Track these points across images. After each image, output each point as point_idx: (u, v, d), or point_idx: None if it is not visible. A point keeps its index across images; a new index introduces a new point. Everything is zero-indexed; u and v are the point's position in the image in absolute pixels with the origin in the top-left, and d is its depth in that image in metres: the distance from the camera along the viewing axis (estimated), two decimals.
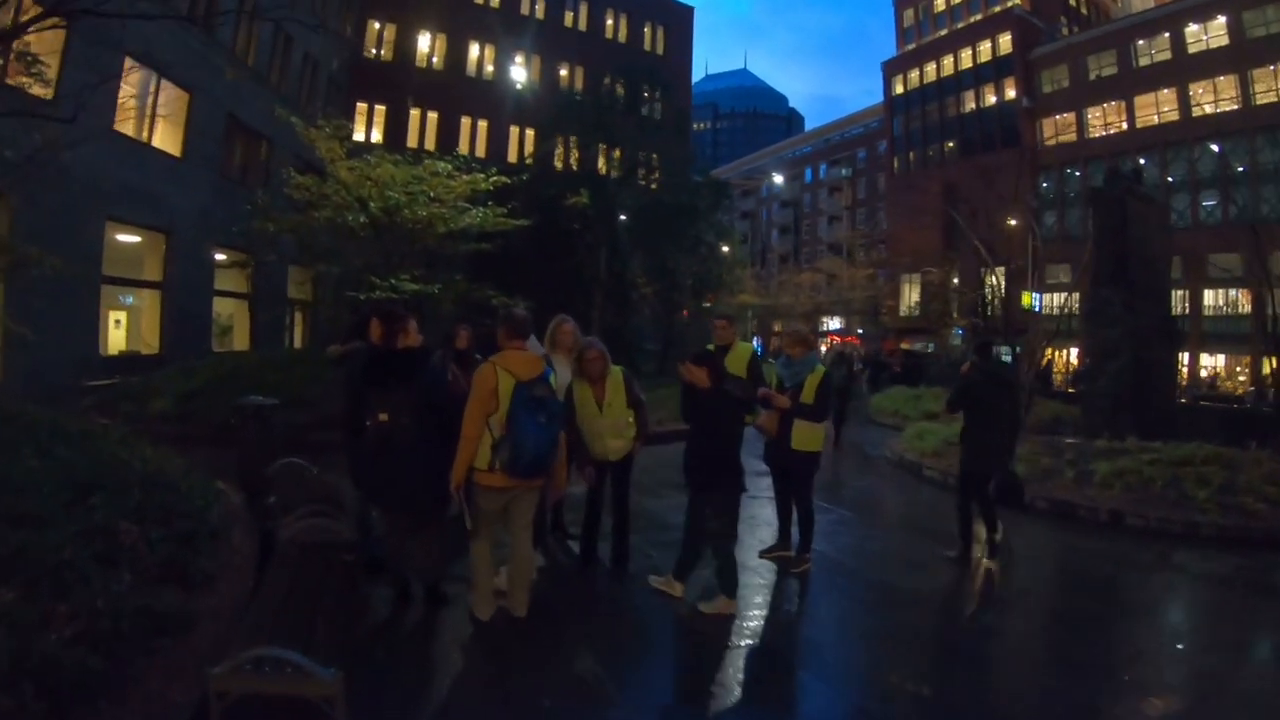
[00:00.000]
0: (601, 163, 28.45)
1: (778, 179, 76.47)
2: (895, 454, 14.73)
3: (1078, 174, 53.05)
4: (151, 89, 20.43)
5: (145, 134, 20.32)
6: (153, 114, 20.59)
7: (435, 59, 37.69)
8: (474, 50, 38.08)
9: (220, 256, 23.12)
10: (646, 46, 26.94)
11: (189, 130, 21.57)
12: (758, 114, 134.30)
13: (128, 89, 19.38)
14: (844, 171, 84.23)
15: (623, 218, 26.24)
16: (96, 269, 18.34)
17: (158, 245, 20.57)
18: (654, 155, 27.70)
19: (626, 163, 26.37)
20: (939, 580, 7.88)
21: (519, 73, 35.26)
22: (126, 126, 19.47)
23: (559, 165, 27.87)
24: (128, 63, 18.79)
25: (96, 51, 16.88)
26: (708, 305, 32.90)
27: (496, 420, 5.35)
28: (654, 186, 28.62)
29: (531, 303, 16.75)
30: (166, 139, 21.18)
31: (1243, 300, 43.87)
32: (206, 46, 21.31)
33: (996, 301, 30.12)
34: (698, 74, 32.62)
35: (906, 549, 9.12)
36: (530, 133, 32.66)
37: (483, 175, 17.19)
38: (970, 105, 64.21)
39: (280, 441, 8.59)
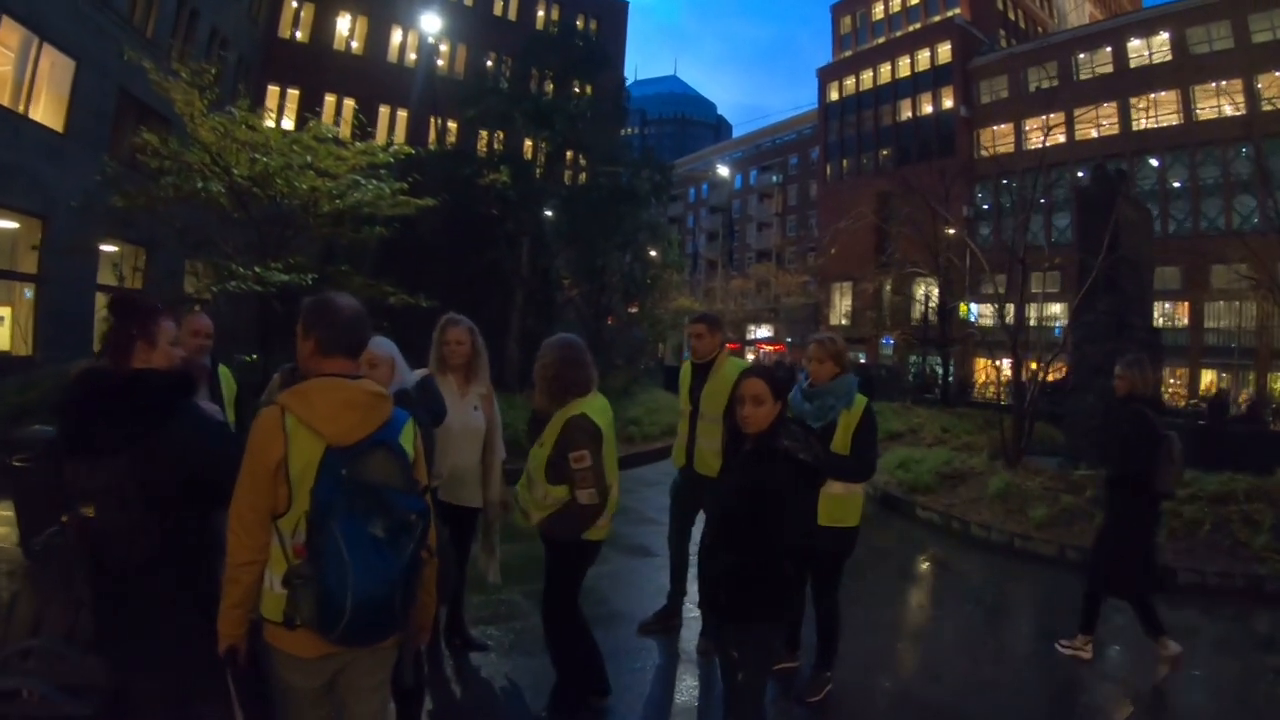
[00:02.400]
0: (528, 145, 26.04)
1: (723, 170, 75.17)
2: (874, 487, 12.33)
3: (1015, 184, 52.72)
4: (32, 54, 18.22)
5: (21, 105, 18.08)
6: (31, 83, 18.33)
7: (355, 43, 35.78)
8: (396, 36, 36.28)
9: (111, 248, 21.10)
10: (579, 41, 25.38)
11: (74, 104, 19.38)
12: (686, 120, 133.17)
13: (4, 52, 17.61)
14: (775, 178, 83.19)
15: (548, 214, 23.58)
16: None
17: (33, 233, 18.29)
18: (585, 137, 24.44)
19: (556, 139, 23.05)
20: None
21: (443, 61, 33.75)
22: (1, 95, 17.50)
23: (482, 150, 25.07)
24: (5, 22, 16.97)
25: None
26: (633, 311, 31.32)
27: (289, 526, 2.78)
28: (583, 175, 26.16)
29: (437, 302, 14.63)
30: (47, 112, 19.00)
31: (1178, 313, 44.18)
32: (98, 11, 19.34)
33: (931, 311, 29.32)
34: (627, 79, 31.30)
35: (972, 645, 6.97)
36: (453, 125, 30.93)
37: (380, 145, 14.88)
38: (907, 114, 63.86)
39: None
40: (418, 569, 2.88)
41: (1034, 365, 14.12)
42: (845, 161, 68.95)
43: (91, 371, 3.25)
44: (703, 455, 6.19)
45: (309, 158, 13.42)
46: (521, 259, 20.72)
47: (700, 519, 4.89)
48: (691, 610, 6.58)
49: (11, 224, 18.14)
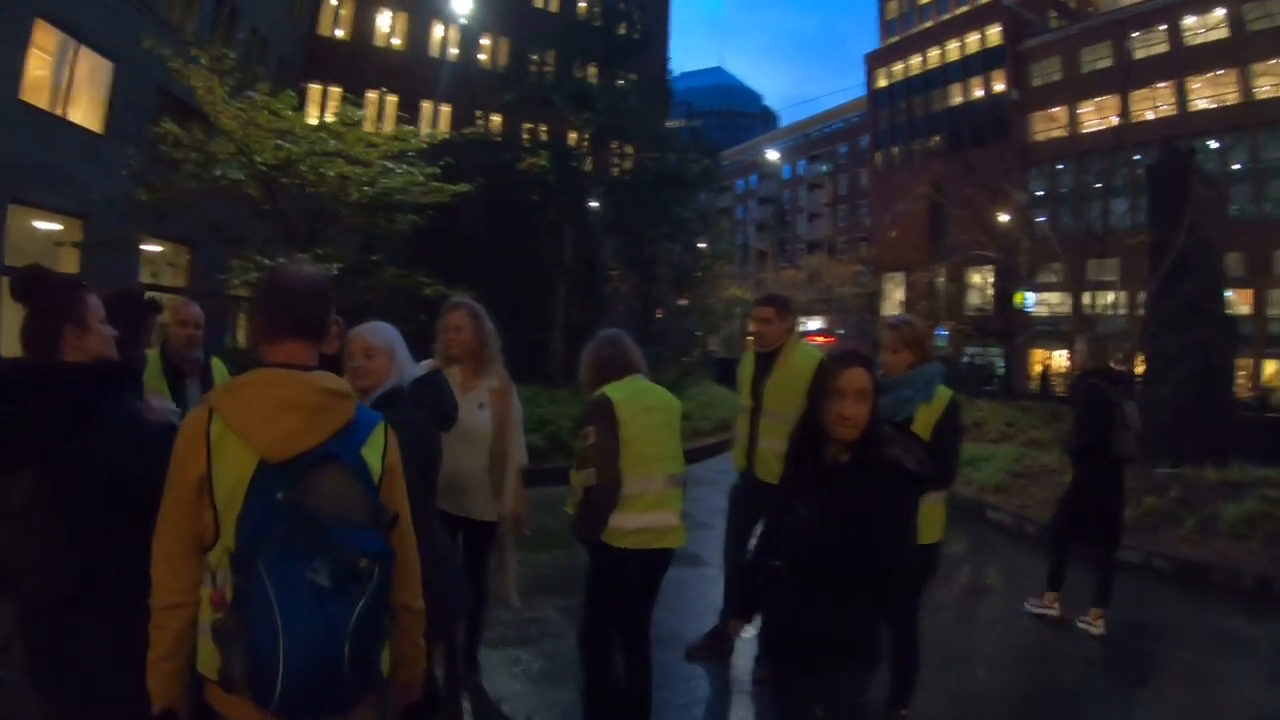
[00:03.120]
0: (573, 138, 24.62)
1: (772, 155, 73.77)
2: None
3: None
4: (69, 57, 18.18)
5: (60, 107, 18.03)
6: (69, 85, 18.31)
7: (396, 39, 35.75)
8: (437, 31, 35.97)
9: (155, 247, 20.85)
10: (621, 24, 24.73)
11: (113, 105, 19.25)
12: (733, 112, 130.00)
13: (42, 56, 17.43)
14: (824, 167, 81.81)
15: (594, 205, 22.80)
16: None
17: (74, 232, 17.91)
18: (629, 121, 23.24)
19: (598, 122, 21.93)
20: None
21: (485, 55, 33.23)
22: (38, 98, 17.33)
23: (525, 141, 24.18)
24: (41, 26, 16.90)
25: (1, 10, 15.33)
26: (683, 302, 30.56)
27: (215, 563, 2.17)
28: (629, 162, 25.16)
29: (474, 292, 14.37)
30: (85, 114, 18.89)
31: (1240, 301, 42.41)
32: (135, 13, 19.00)
33: (987, 300, 28.33)
34: (672, 72, 30.55)
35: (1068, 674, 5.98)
36: (497, 119, 30.56)
37: (412, 129, 14.24)
38: (957, 99, 62.10)
39: None
40: (375, 627, 2.13)
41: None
42: (895, 149, 67.41)
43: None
44: (764, 458, 5.40)
45: (333, 142, 12.84)
46: (564, 248, 20.03)
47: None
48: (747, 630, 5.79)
49: (53, 225, 17.95)
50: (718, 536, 6.05)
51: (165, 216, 14.23)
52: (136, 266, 19.88)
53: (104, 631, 2.44)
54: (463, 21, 26.54)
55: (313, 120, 14.23)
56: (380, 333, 3.62)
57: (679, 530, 4.36)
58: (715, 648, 5.72)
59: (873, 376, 2.99)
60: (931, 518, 4.44)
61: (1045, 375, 42.71)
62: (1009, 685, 5.83)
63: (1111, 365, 7.33)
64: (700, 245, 30.70)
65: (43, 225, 17.84)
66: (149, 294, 4.49)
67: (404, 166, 13.45)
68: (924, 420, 4.43)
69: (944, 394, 4.55)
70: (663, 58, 31.00)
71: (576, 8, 36.94)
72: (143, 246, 19.93)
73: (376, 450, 2.32)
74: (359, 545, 2.06)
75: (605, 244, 23.14)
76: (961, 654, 6.24)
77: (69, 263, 17.66)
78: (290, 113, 12.66)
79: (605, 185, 23.15)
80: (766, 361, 5.52)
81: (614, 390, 4.18)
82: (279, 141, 12.24)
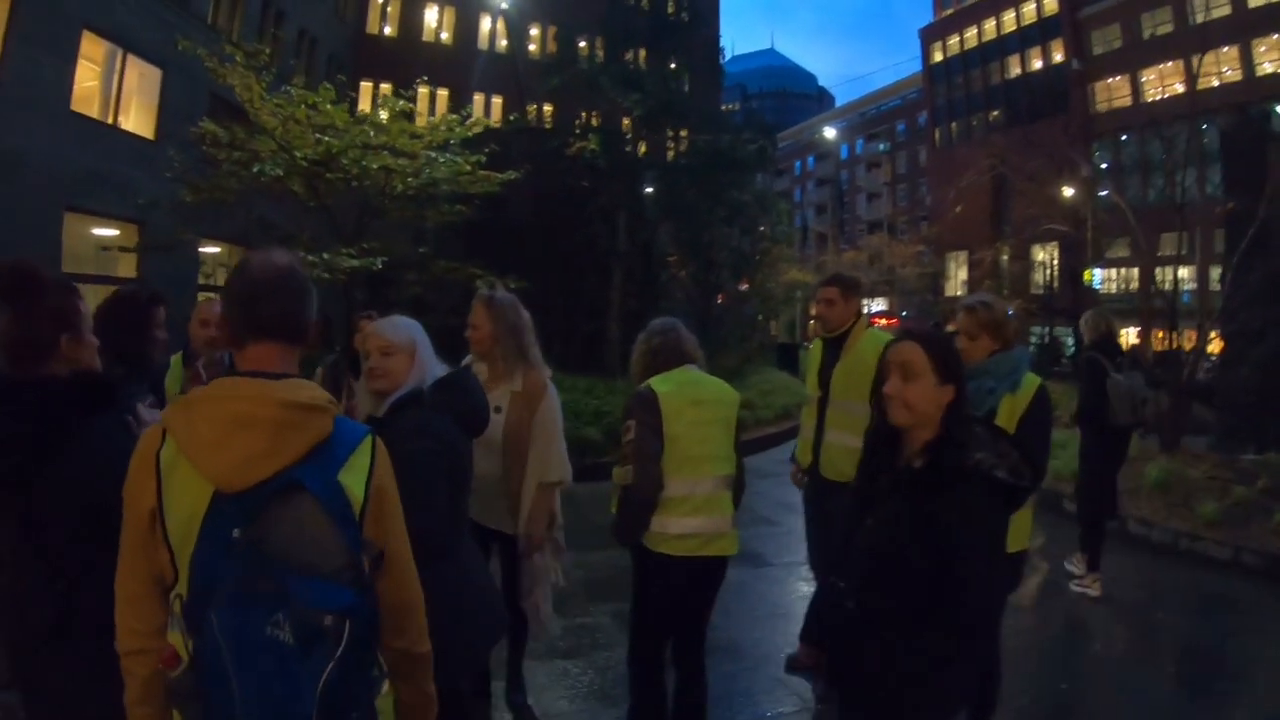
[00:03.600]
0: (626, 124, 23.71)
1: (829, 132, 72.28)
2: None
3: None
4: (117, 66, 18.47)
5: (111, 116, 18.37)
6: (119, 93, 18.60)
7: (444, 34, 35.80)
8: (485, 23, 35.65)
9: (214, 249, 20.86)
10: (671, 11, 24.15)
11: (163, 111, 19.38)
12: (787, 93, 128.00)
13: (90, 67, 17.73)
14: (882, 146, 79.81)
15: (648, 190, 22.10)
16: (55, 265, 15.38)
17: (129, 238, 18.26)
18: (680, 101, 22.31)
19: (647, 103, 20.89)
20: None
21: (535, 45, 32.79)
22: (89, 108, 17.63)
23: (576, 126, 23.09)
24: (88, 38, 17.28)
25: (48, 26, 15.66)
26: (744, 288, 29.92)
27: (176, 605, 1.80)
28: (683, 145, 23.67)
29: (525, 283, 14.00)
30: (137, 121, 19.18)
31: None
32: (181, 19, 19.04)
33: (1054, 279, 27.26)
34: (724, 54, 29.66)
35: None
36: (549, 108, 30.25)
37: (456, 118, 13.74)
38: (1015, 70, 59.96)
39: None
40: (350, 688, 1.73)
41: (1193, 334, 12.41)
42: (954, 125, 65.33)
43: None
44: (830, 454, 4.94)
45: (373, 133, 12.52)
46: (619, 235, 19.54)
47: None
48: None
49: (109, 230, 18.21)
50: (781, 534, 5.59)
51: (218, 218, 14.19)
52: (194, 269, 19.86)
53: (87, 666, 2.13)
54: (504, 6, 26.08)
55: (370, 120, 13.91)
56: (399, 328, 3.18)
57: (730, 536, 3.89)
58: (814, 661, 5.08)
59: (933, 352, 2.47)
60: (1018, 523, 3.84)
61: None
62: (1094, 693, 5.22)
63: (1114, 337, 7.44)
64: (759, 229, 30.01)
65: (99, 231, 18.09)
66: (150, 290, 4.15)
67: (447, 156, 13.07)
68: (1008, 412, 3.93)
69: (1031, 382, 4.03)
70: (713, 38, 30.27)
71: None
72: (201, 249, 20.04)
73: (359, 473, 1.90)
74: (322, 600, 1.67)
75: (661, 230, 22.43)
76: (1042, 662, 5.63)
77: (126, 267, 18.02)
78: (329, 106, 12.34)
79: (658, 169, 22.39)
80: (835, 347, 5.06)
81: (660, 382, 3.79)
82: (319, 135, 11.95)
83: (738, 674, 5.12)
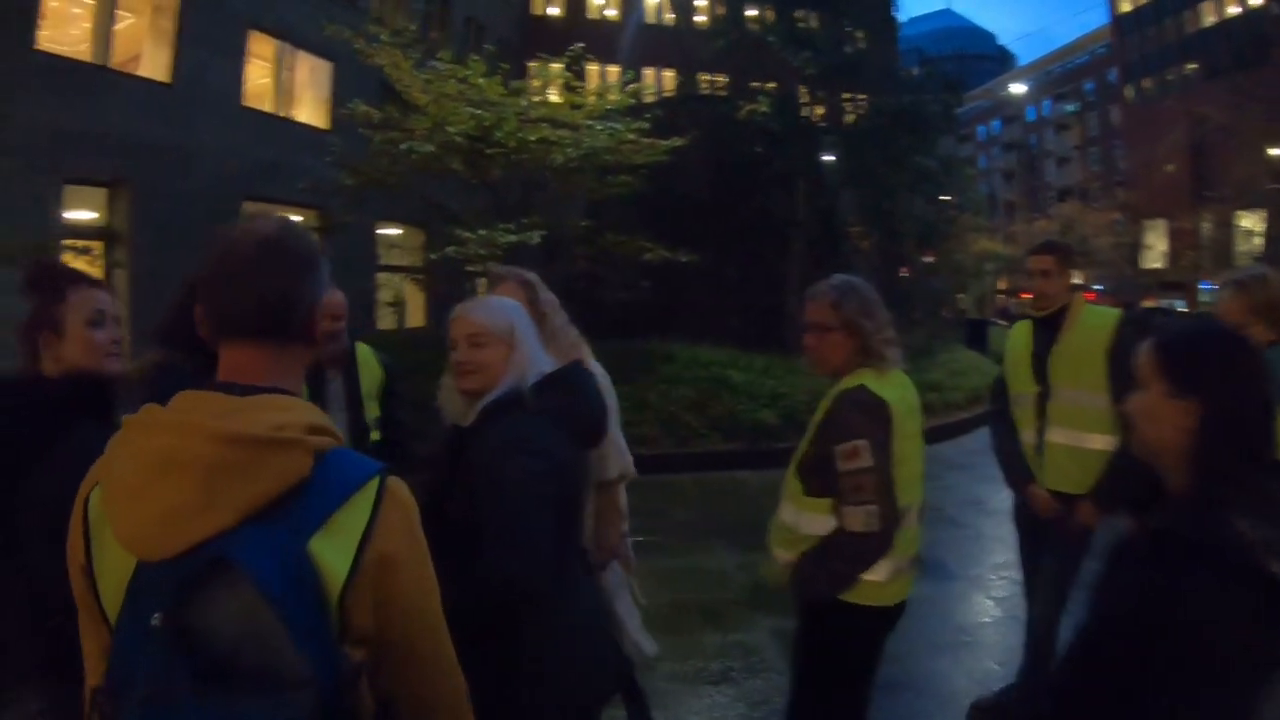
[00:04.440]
0: (803, 92, 21.85)
1: (1017, 89, 67.86)
2: None
3: None
4: (287, 62, 19.46)
5: (283, 108, 19.38)
6: (289, 87, 19.58)
7: (610, 10, 35.73)
8: None
9: (394, 230, 21.70)
10: None
11: (336, 101, 19.59)
12: (966, 55, 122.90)
13: (261, 64, 18.76)
14: (1070, 107, 74.24)
15: (829, 158, 20.50)
16: None
17: (310, 222, 18.46)
18: (853, 59, 20.70)
19: (819, 63, 19.47)
20: None
21: (704, 17, 31.63)
22: (261, 103, 18.62)
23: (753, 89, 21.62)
24: (256, 37, 18.47)
25: (216, 27, 16.77)
26: (930, 261, 28.26)
27: None
28: (862, 108, 21.58)
29: (697, 257, 12.92)
30: (310, 112, 20.01)
31: None
32: (345, 13, 19.21)
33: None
34: (899, 20, 28.02)
35: None
36: (721, 78, 29.54)
37: (616, 86, 13.14)
38: (1210, 18, 54.57)
39: None
40: None
41: None
42: (1147, 81, 60.00)
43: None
44: (1057, 460, 3.98)
45: (524, 104, 12.10)
46: (796, 203, 18.40)
47: None
48: None
49: (294, 217, 18.62)
50: (968, 538, 4.59)
51: (390, 200, 14.27)
52: (373, 251, 20.96)
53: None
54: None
55: (535, 98, 13.50)
56: (495, 309, 2.52)
57: (913, 574, 3.09)
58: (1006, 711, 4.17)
59: (1165, 351, 1.66)
60: None
61: None
62: None
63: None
64: (945, 198, 28.23)
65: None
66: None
67: (607, 125, 12.40)
68: None
69: None
70: None
71: None
72: (380, 231, 21.08)
73: (347, 536, 1.32)
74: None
75: (842, 198, 21.07)
76: None
77: None
78: (481, 80, 11.89)
79: (836, 134, 20.89)
80: (1048, 329, 4.08)
81: (884, 386, 2.85)
82: (472, 110, 11.48)
83: (916, 715, 4.23)
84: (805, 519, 2.87)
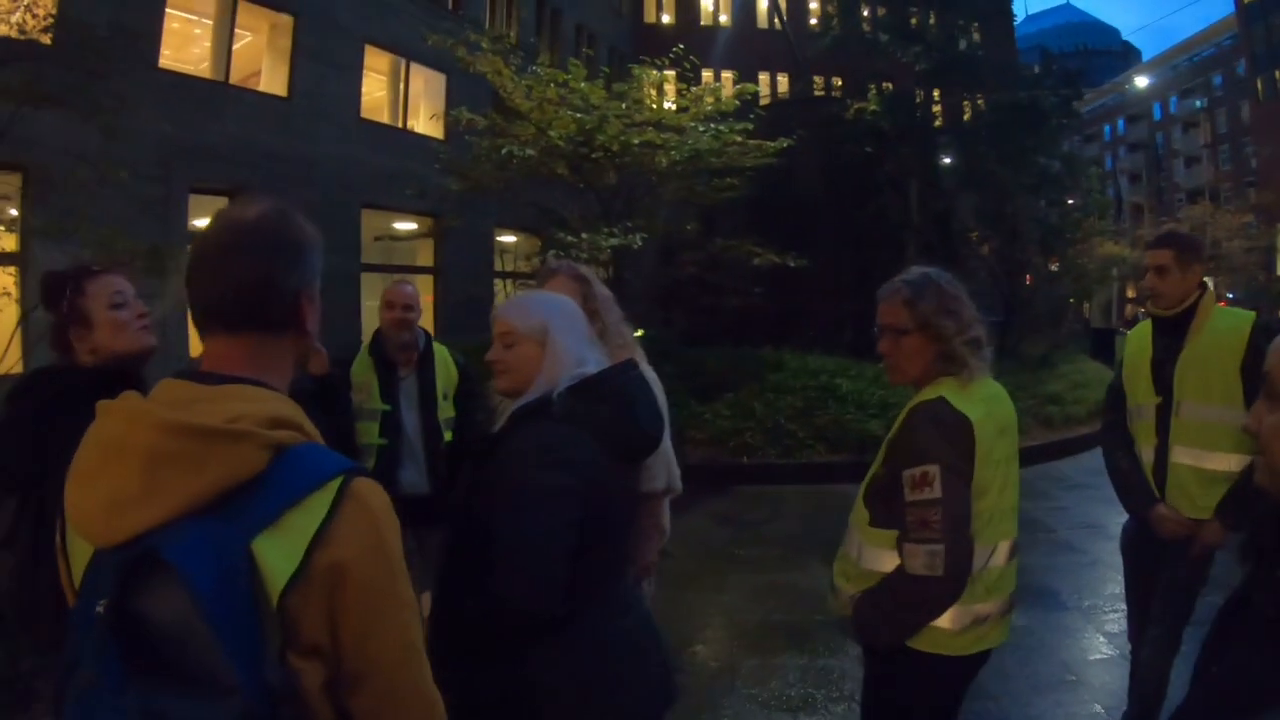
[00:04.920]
0: (920, 99, 21.03)
1: (1141, 81, 64.75)
2: None
3: None
4: (401, 75, 20.21)
5: (400, 120, 20.40)
6: (405, 99, 20.29)
7: (722, 16, 35.56)
8: (762, 1, 35.07)
9: (510, 238, 22.09)
10: None
11: (450, 112, 20.20)
12: (1089, 51, 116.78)
13: (377, 77, 19.63)
14: (1198, 103, 70.34)
15: (946, 161, 19.85)
16: (355, 259, 18.10)
17: (425, 229, 19.76)
18: (967, 54, 19.94)
19: (931, 58, 18.82)
20: None
21: (815, 20, 31.22)
22: (379, 115, 19.43)
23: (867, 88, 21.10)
24: (371, 51, 19.20)
25: (332, 43, 17.65)
26: (1054, 269, 27.17)
27: None
28: (979, 104, 20.84)
29: (806, 261, 12.69)
30: (426, 123, 20.48)
31: None
32: (457, 26, 19.64)
33: None
34: (1017, 16, 26.95)
35: None
36: (838, 81, 28.98)
37: (719, 86, 13.09)
38: None
39: None
40: None
41: None
42: (1278, 73, 56.84)
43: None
44: (1180, 482, 3.51)
45: (625, 106, 11.96)
46: (910, 205, 17.86)
47: None
48: None
49: (409, 224, 19.92)
50: (1083, 565, 4.34)
51: (504, 206, 14.95)
52: (490, 257, 21.38)
53: None
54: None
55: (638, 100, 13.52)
56: (527, 306, 2.36)
57: (1009, 619, 2.65)
58: None
59: None
60: None
61: None
62: None
63: None
64: (1069, 201, 27.06)
65: (399, 225, 20.05)
66: None
67: (711, 126, 12.23)
68: None
69: None
70: None
71: None
72: (500, 239, 21.68)
73: (297, 536, 1.23)
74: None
75: (959, 201, 20.32)
76: None
77: (425, 256, 20.60)
78: (582, 84, 11.88)
79: (952, 133, 20.19)
80: (1172, 332, 3.59)
81: (968, 400, 2.45)
82: (573, 113, 11.49)
83: None
84: (869, 552, 2.53)
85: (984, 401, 2.49)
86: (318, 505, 1.24)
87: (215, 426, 1.22)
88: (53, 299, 2.43)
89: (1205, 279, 3.61)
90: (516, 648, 2.00)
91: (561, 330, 2.28)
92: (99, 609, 1.14)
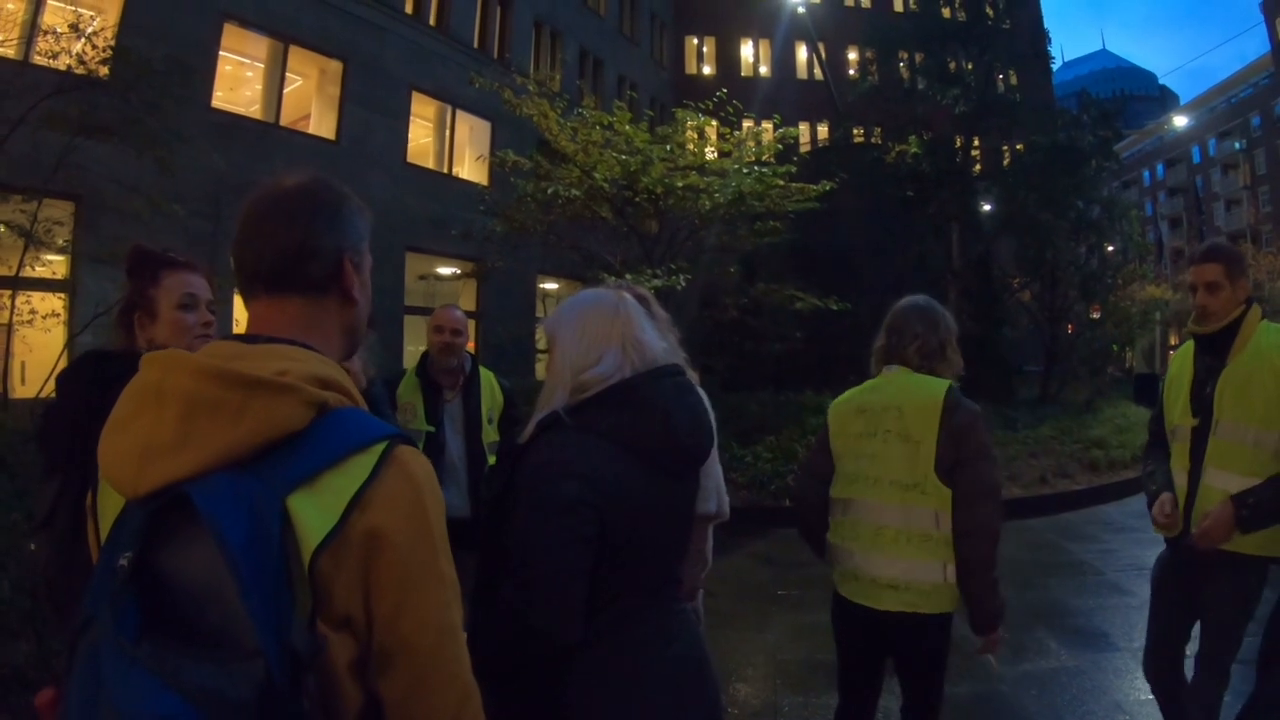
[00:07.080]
0: (959, 143, 20.89)
1: (1179, 120, 64.10)
2: None
3: None
4: (448, 122, 20.43)
5: (445, 166, 20.29)
6: (451, 145, 20.50)
7: (762, 67, 35.85)
8: (801, 52, 35.46)
9: (551, 285, 22.33)
10: (990, 14, 21.84)
11: (495, 153, 20.66)
12: (1127, 96, 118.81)
13: (424, 124, 19.84)
14: (1237, 144, 69.01)
15: (982, 202, 19.59)
16: (399, 301, 18.17)
17: (467, 273, 19.42)
18: (1004, 97, 19.98)
19: (970, 100, 18.87)
20: None
21: (853, 70, 31.20)
22: (424, 160, 19.63)
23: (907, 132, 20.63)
24: (418, 99, 19.49)
25: (380, 90, 17.95)
26: (1095, 317, 26.77)
27: None
28: (1018, 147, 20.55)
29: (848, 305, 12.58)
30: (471, 169, 20.80)
31: None
32: (502, 76, 20.14)
33: None
34: (1054, 61, 26.75)
35: None
36: (878, 129, 29.00)
37: (760, 130, 13.10)
38: None
39: None
40: None
41: None
42: None
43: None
44: (1212, 502, 3.16)
45: (670, 148, 11.92)
46: (951, 249, 17.67)
47: None
48: None
49: (452, 268, 19.61)
50: (1133, 607, 4.42)
51: (546, 252, 14.75)
52: (532, 301, 21.54)
53: None
54: (800, 9, 25.35)
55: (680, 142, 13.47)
56: (555, 314, 2.24)
57: None
58: None
59: None
60: None
61: None
62: None
63: None
64: (1109, 247, 26.65)
65: (443, 270, 19.89)
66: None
67: (755, 169, 12.11)
68: None
69: None
70: (1037, 27, 27.30)
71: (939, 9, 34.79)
72: (543, 286, 21.89)
73: (334, 497, 1.15)
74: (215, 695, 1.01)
75: (999, 245, 20.07)
76: None
77: (467, 300, 19.79)
78: (627, 127, 11.83)
79: (991, 178, 19.99)
80: (1214, 350, 3.31)
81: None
82: (616, 155, 11.46)
83: None
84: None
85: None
86: (359, 468, 1.17)
87: (259, 376, 1.17)
88: (134, 272, 2.45)
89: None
90: (543, 673, 1.89)
91: (570, 338, 2.12)
92: (122, 562, 1.08)
